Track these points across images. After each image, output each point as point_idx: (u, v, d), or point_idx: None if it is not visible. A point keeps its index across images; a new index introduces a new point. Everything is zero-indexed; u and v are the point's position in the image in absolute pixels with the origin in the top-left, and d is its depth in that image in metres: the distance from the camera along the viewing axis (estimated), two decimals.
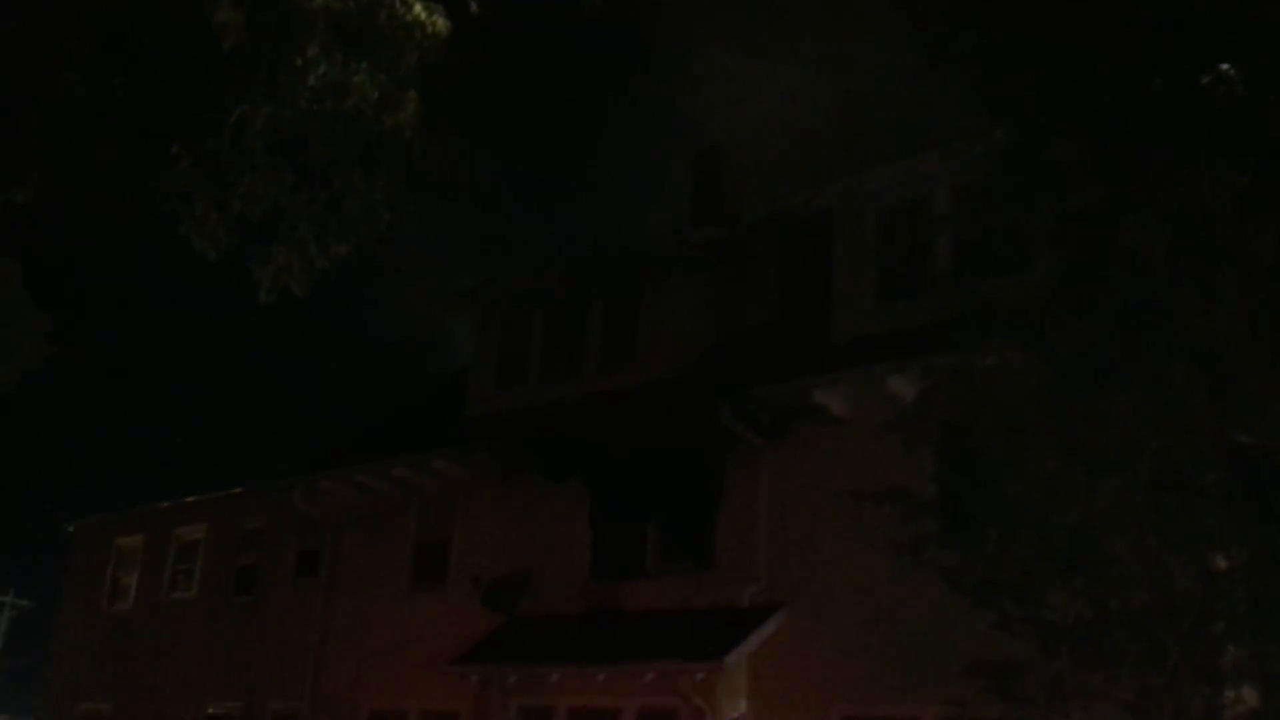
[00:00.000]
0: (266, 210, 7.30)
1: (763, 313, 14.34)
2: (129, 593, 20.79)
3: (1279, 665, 5.47)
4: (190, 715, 18.01)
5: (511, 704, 13.09)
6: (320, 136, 7.34)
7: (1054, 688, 6.16)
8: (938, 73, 6.14)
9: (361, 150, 7.43)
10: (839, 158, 13.46)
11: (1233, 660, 5.83)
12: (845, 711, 10.82)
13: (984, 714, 6.76)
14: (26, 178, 7.15)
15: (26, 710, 28.63)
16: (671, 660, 11.54)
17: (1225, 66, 5.36)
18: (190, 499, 20.07)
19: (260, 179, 7.17)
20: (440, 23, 7.09)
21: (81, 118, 6.95)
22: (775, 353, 13.13)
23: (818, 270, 12.90)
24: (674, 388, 13.42)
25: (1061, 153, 5.71)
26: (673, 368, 13.75)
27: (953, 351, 6.21)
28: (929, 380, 6.47)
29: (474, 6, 7.42)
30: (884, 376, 10.62)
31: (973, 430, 5.98)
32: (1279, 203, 5.03)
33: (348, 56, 6.92)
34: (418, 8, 6.99)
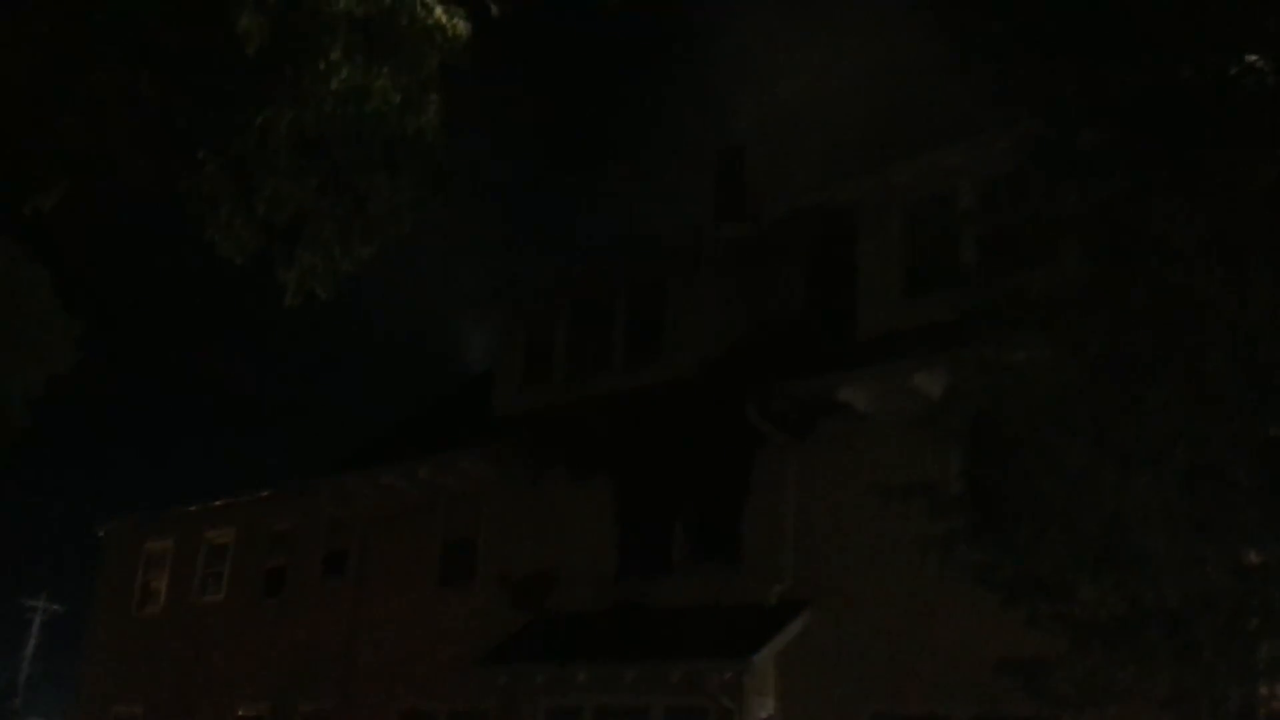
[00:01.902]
0: (291, 213, 7.34)
1: (788, 308, 14.29)
2: (159, 596, 20.95)
3: None
4: (221, 717, 18.14)
5: (540, 704, 13.11)
6: (344, 139, 7.37)
7: (1086, 685, 6.10)
8: (966, 63, 6.09)
9: (385, 153, 7.46)
10: (864, 152, 13.36)
11: (1268, 656, 5.76)
12: (875, 709, 10.75)
13: (1016, 712, 6.70)
14: (55, 182, 7.21)
15: (59, 713, 28.91)
16: (699, 660, 11.52)
17: (1254, 58, 5.29)
18: (219, 501, 20.21)
19: (284, 182, 7.20)
20: (461, 26, 7.10)
21: (109, 122, 7.00)
22: (801, 349, 13.08)
23: (843, 265, 12.84)
24: (699, 385, 13.40)
25: (1092, 142, 5.65)
26: (698, 364, 13.73)
27: (980, 346, 6.16)
28: (956, 376, 6.41)
29: (494, 9, 7.43)
30: (910, 372, 10.55)
31: (1003, 425, 5.92)
32: None
33: (370, 60, 6.95)
34: (439, 11, 7.00)
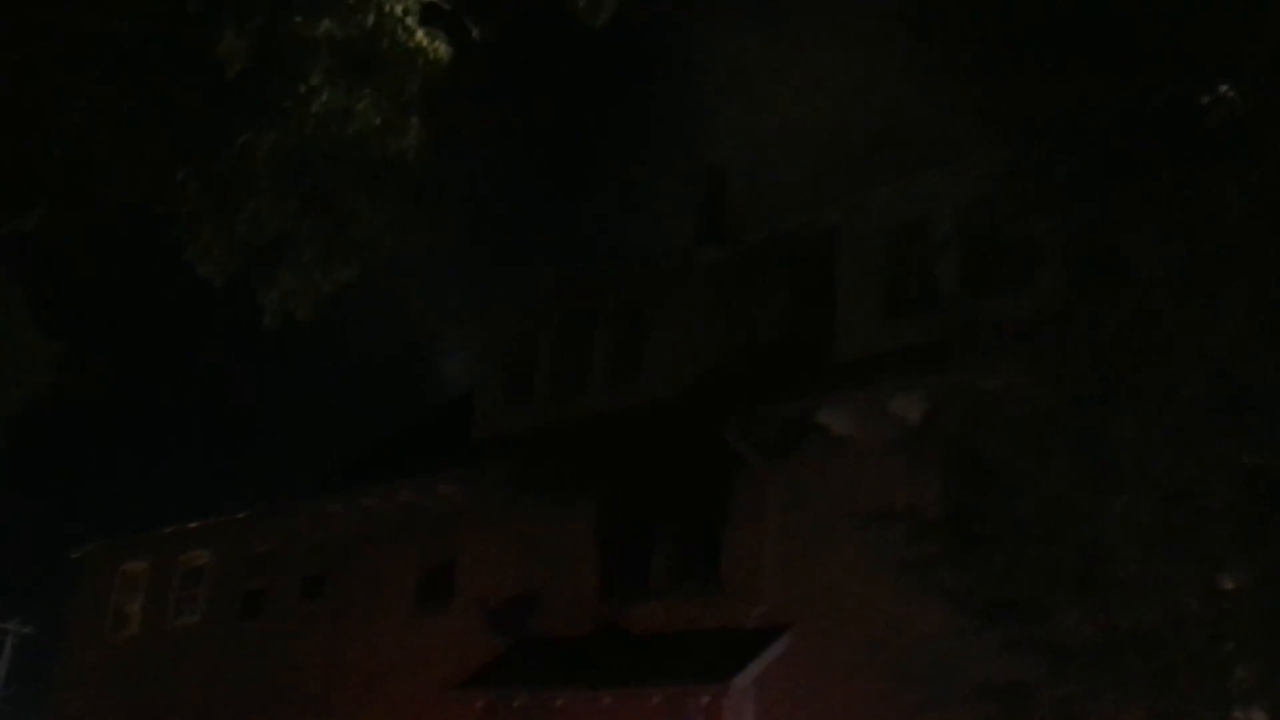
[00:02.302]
0: (271, 235, 7.33)
1: (769, 331, 14.33)
2: (134, 619, 20.74)
3: None
4: None
5: None
6: (325, 161, 7.38)
7: (1064, 710, 6.11)
8: (942, 90, 6.16)
9: (366, 175, 7.46)
10: (844, 176, 13.47)
11: (1242, 681, 5.79)
12: None
13: None
14: (35, 203, 7.19)
15: None
16: (678, 684, 11.48)
17: (1224, 87, 5.37)
18: (195, 523, 20.04)
19: (265, 204, 7.20)
20: (442, 48, 7.13)
21: (91, 144, 7.00)
22: (781, 371, 13.12)
23: (823, 288, 12.90)
24: (680, 407, 13.41)
25: (1067, 168, 5.72)
26: (679, 386, 13.74)
27: (958, 372, 6.20)
28: (934, 401, 6.45)
29: (475, 32, 7.46)
30: (888, 397, 10.60)
31: (980, 450, 5.96)
32: None
33: (352, 82, 6.97)
34: (420, 34, 7.03)
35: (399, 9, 6.86)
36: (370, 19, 6.78)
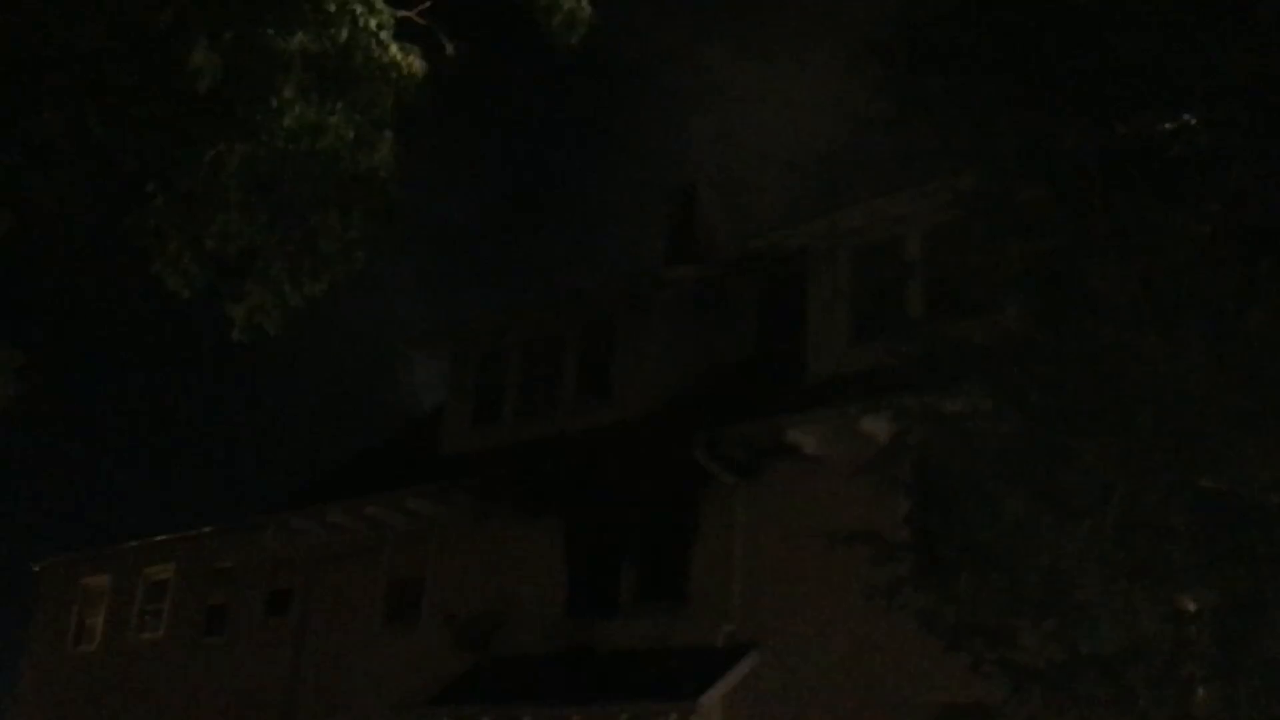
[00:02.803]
0: (240, 248, 7.29)
1: (738, 350, 14.40)
2: (95, 633, 20.47)
3: (1248, 709, 5.49)
4: None
5: None
6: (296, 176, 7.36)
7: None
8: (908, 116, 6.23)
9: (337, 190, 7.44)
10: (815, 196, 13.57)
11: (1202, 703, 5.85)
12: None
13: None
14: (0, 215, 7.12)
15: None
16: (645, 701, 11.46)
17: (1186, 117, 5.47)
18: (159, 537, 19.83)
19: (234, 217, 7.17)
20: (416, 64, 7.13)
21: (58, 157, 6.94)
22: (750, 391, 13.16)
23: (793, 308, 12.98)
24: (649, 425, 13.42)
25: (1028, 196, 5.81)
26: (648, 405, 13.76)
27: (923, 394, 6.26)
28: (900, 423, 6.51)
29: (449, 48, 7.47)
30: (857, 417, 10.66)
31: (945, 473, 6.01)
32: (1240, 251, 5.12)
33: (324, 97, 6.94)
34: (394, 49, 7.02)
35: (373, 23, 6.85)
36: (344, 33, 6.76)
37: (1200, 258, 5.14)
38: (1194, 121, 5.48)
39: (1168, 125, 5.51)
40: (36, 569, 22.23)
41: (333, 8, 6.62)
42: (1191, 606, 5.83)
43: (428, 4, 7.35)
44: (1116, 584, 5.46)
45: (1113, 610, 5.43)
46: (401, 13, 7.11)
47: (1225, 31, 5.31)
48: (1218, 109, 5.31)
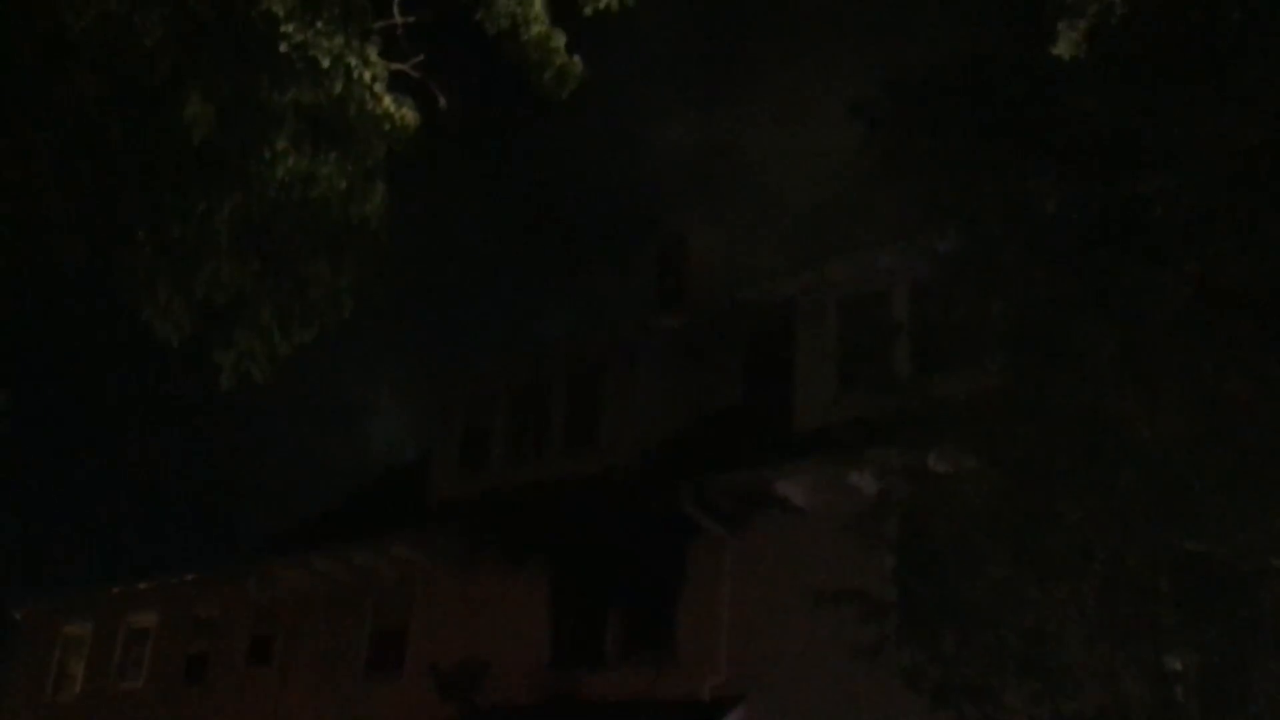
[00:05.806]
0: (230, 296, 7.30)
1: (726, 400, 14.41)
2: (76, 680, 20.22)
3: None
4: None
5: None
6: (287, 224, 7.38)
7: None
8: (893, 175, 6.32)
9: (328, 239, 7.47)
10: (803, 248, 13.68)
11: None
12: None
13: None
14: None
15: None
16: None
17: (1167, 181, 5.55)
18: (142, 584, 19.65)
19: (225, 265, 7.17)
20: (409, 115, 7.19)
21: (48, 207, 6.96)
22: (738, 441, 13.16)
23: (781, 359, 13.01)
24: (636, 474, 13.40)
25: (1011, 257, 5.88)
26: (636, 453, 13.74)
27: (907, 451, 6.28)
28: (885, 479, 6.53)
29: (442, 101, 7.55)
30: (845, 470, 10.66)
31: (928, 532, 6.02)
32: (1220, 313, 5.18)
33: (317, 148, 6.99)
34: (387, 100, 7.09)
35: (367, 76, 6.92)
36: (339, 86, 6.83)
37: (1180, 319, 5.20)
38: (1174, 185, 5.57)
39: (1148, 188, 5.61)
40: (17, 615, 21.97)
41: (327, 62, 6.69)
42: (1175, 667, 5.83)
43: (421, 58, 7.43)
44: (1099, 644, 5.45)
45: (1095, 670, 5.43)
46: (395, 65, 7.19)
47: (1205, 98, 5.41)
48: (1198, 173, 5.40)
